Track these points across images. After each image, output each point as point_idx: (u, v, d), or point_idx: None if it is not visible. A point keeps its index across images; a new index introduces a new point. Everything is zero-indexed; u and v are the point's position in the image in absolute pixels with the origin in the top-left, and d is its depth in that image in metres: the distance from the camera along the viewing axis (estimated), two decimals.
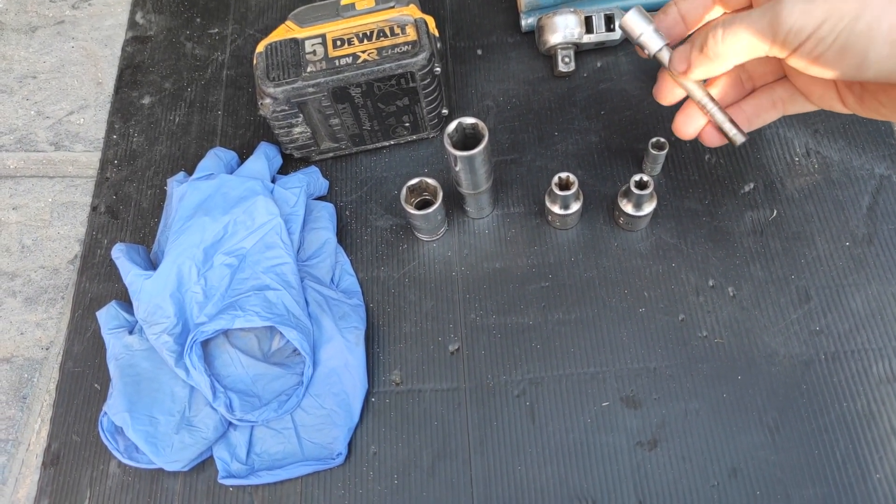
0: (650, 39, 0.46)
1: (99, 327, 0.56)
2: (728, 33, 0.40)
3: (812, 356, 0.53)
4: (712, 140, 0.49)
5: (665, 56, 0.46)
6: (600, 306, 0.56)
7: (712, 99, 0.47)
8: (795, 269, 0.56)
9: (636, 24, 0.46)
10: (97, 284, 0.61)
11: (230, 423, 0.53)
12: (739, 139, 0.47)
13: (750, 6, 0.45)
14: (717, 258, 0.57)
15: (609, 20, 0.63)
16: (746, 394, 0.52)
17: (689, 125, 0.49)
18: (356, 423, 0.53)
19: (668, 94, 0.48)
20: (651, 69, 0.65)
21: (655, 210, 0.56)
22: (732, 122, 0.47)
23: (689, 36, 0.48)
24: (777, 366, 0.53)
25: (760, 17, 0.38)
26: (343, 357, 0.54)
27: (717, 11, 0.47)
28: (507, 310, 0.57)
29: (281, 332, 0.54)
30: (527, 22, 0.67)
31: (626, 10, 0.64)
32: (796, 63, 0.39)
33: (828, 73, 0.39)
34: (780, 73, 0.48)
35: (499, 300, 0.57)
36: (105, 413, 0.53)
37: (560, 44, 0.63)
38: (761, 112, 0.49)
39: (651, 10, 0.48)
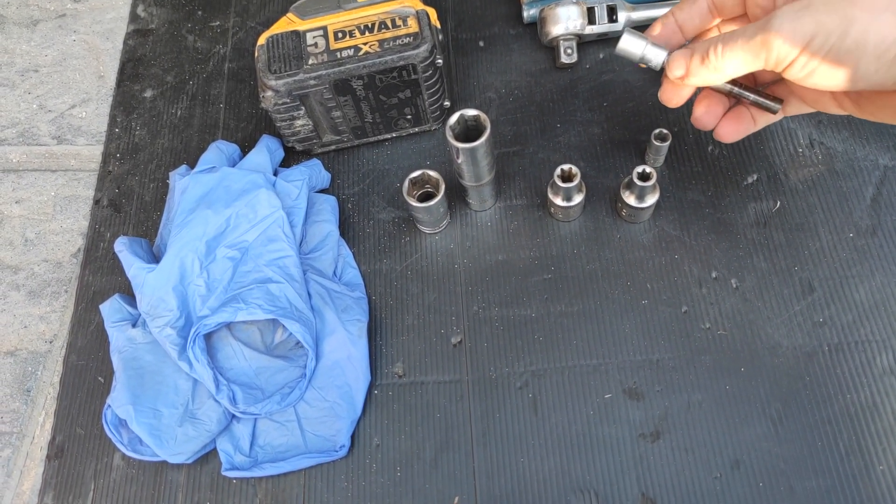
0: (653, 54, 0.46)
1: (102, 320, 0.57)
2: (726, 49, 0.41)
3: (815, 348, 0.53)
4: (730, 135, 0.49)
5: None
6: (603, 298, 0.56)
7: (736, 83, 0.47)
8: (799, 260, 0.56)
9: (634, 45, 0.46)
10: (100, 278, 0.62)
11: (233, 416, 0.53)
12: (777, 107, 0.48)
13: (744, 13, 0.46)
14: (721, 250, 0.57)
15: (612, 11, 0.63)
16: (749, 385, 0.52)
17: (710, 115, 0.49)
18: (359, 415, 0.53)
19: (674, 96, 0.48)
20: None
21: (658, 202, 0.56)
22: (763, 94, 0.48)
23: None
24: (780, 357, 0.53)
25: (753, 35, 0.39)
26: (346, 349, 0.54)
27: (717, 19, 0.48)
28: (509, 302, 0.57)
29: (284, 325, 0.54)
30: (529, 13, 0.67)
31: None
32: (791, 77, 0.40)
33: (822, 86, 0.40)
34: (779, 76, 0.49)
35: (501, 292, 0.57)
36: (109, 406, 0.53)
37: (562, 35, 0.63)
38: (763, 113, 0.49)
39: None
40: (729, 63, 0.41)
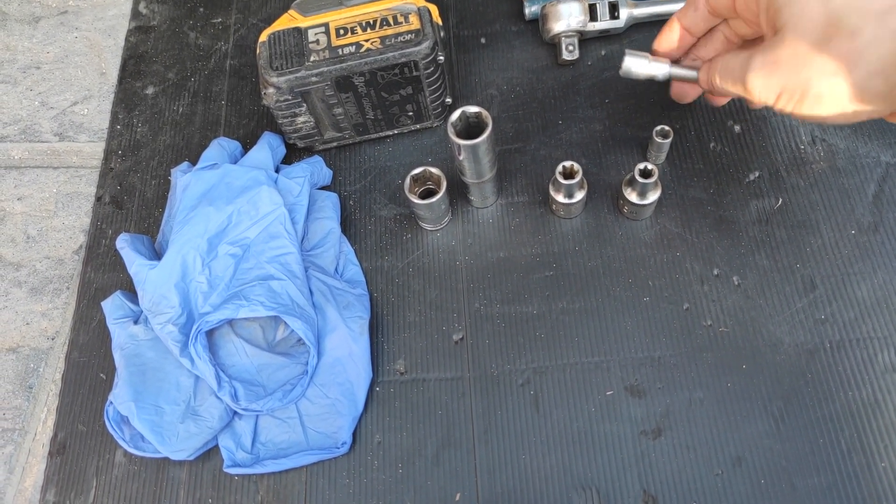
0: (657, 69, 0.51)
1: (104, 317, 0.57)
2: (722, 81, 0.46)
3: (817, 345, 0.53)
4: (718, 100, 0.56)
5: (677, 70, 0.51)
6: (604, 295, 0.56)
7: None
8: (801, 257, 0.56)
9: (639, 65, 0.51)
10: (102, 274, 0.62)
11: (235, 413, 0.53)
12: None
13: (738, 16, 0.48)
14: (722, 247, 0.57)
15: (613, 7, 0.63)
16: (751, 383, 0.52)
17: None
18: (360, 412, 0.54)
19: (685, 94, 0.55)
20: None
21: (660, 199, 0.56)
22: None
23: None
24: (782, 355, 0.53)
25: (738, 79, 0.44)
26: (347, 346, 0.54)
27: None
28: (511, 299, 0.57)
29: (285, 322, 0.54)
30: (531, 10, 0.67)
31: None
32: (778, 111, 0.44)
33: (808, 119, 0.43)
34: None
35: (503, 289, 0.57)
36: (111, 402, 0.53)
37: (564, 32, 0.63)
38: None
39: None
40: (725, 91, 0.46)
